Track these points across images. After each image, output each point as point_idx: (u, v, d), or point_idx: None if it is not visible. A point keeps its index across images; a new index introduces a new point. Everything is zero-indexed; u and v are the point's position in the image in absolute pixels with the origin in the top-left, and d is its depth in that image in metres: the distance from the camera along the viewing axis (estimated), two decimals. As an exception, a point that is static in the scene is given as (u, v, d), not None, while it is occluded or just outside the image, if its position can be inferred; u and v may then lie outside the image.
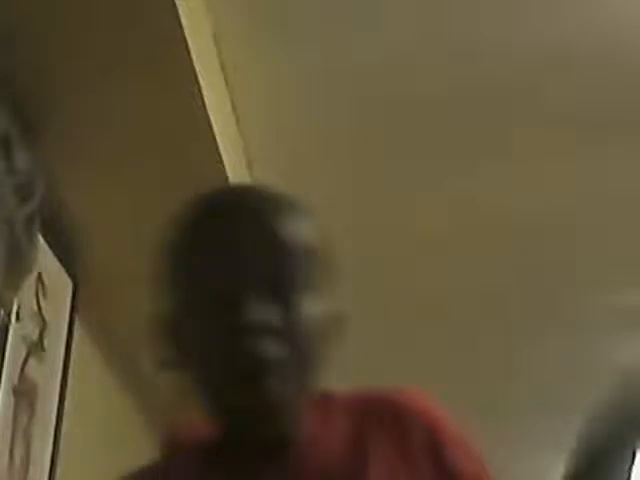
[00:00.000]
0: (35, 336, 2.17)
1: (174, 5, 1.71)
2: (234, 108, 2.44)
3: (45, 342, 2.23)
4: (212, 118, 2.02)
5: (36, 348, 2.17)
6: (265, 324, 0.97)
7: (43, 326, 2.21)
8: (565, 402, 4.45)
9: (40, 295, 2.18)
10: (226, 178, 2.21)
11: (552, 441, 4.86)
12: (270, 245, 1.00)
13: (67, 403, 2.37)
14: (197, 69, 1.87)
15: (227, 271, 0.99)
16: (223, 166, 2.17)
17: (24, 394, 2.12)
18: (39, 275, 2.16)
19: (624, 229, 3.08)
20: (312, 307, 1.01)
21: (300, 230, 1.04)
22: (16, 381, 2.06)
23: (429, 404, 1.08)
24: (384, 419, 1.05)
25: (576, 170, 2.81)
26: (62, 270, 2.34)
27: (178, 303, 1.03)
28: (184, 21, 1.76)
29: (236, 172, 2.36)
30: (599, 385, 4.51)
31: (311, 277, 1.02)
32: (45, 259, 2.17)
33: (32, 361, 2.14)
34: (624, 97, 2.50)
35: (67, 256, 2.35)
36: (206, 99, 1.95)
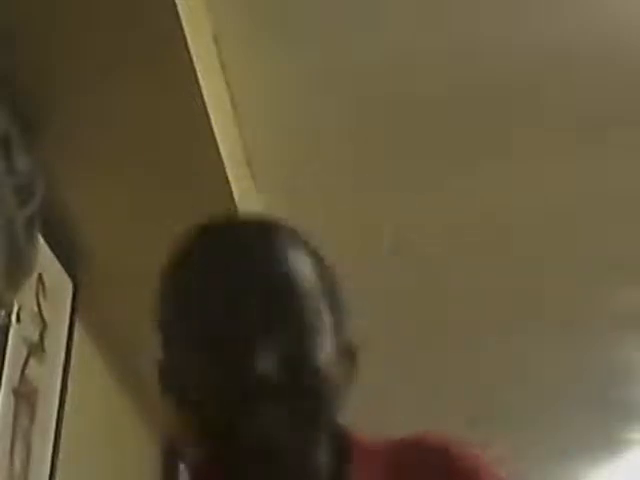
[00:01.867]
0: (35, 337, 2.17)
1: (174, 5, 1.71)
2: (234, 108, 2.44)
3: (45, 343, 2.22)
4: (212, 118, 2.02)
5: (36, 349, 2.17)
6: (272, 382, 0.89)
7: (43, 327, 2.21)
8: (564, 401, 4.46)
9: (40, 296, 2.18)
10: (226, 178, 2.21)
11: (551, 440, 4.86)
12: (272, 288, 0.93)
13: (67, 404, 2.37)
14: (197, 69, 1.86)
15: (228, 317, 0.92)
16: (223, 166, 2.17)
17: (24, 395, 2.12)
18: (39, 276, 2.15)
19: (624, 229, 3.08)
20: (323, 348, 0.94)
21: (302, 266, 0.96)
22: (16, 382, 2.06)
23: (467, 450, 1.05)
24: (426, 469, 1.02)
25: (576, 170, 2.82)
26: (62, 271, 2.33)
27: (175, 349, 0.96)
28: (184, 21, 1.76)
29: (236, 172, 2.36)
30: (598, 385, 4.53)
31: (318, 315, 0.95)
32: (45, 260, 2.16)
33: (32, 362, 2.14)
34: (624, 97, 2.50)
35: (67, 257, 2.35)
36: (206, 99, 1.95)
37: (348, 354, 1.00)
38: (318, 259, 1.00)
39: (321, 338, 0.94)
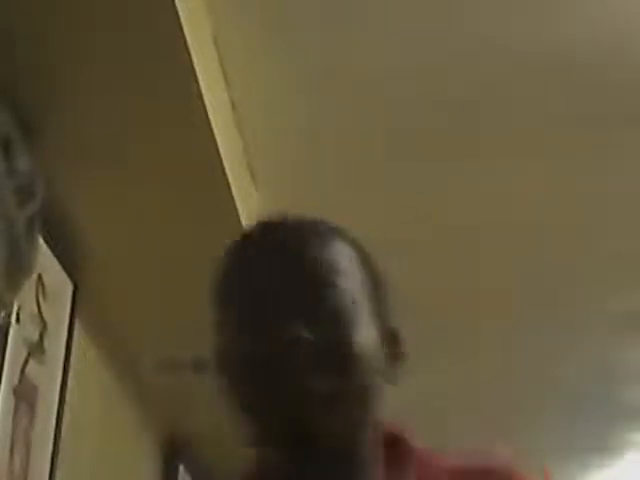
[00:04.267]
0: (35, 338, 2.17)
1: (174, 5, 1.71)
2: (234, 108, 2.44)
3: (45, 343, 2.22)
4: (212, 119, 2.02)
5: (36, 350, 2.17)
6: (311, 349, 0.94)
7: (43, 327, 2.21)
8: (564, 401, 4.46)
9: (40, 296, 2.18)
10: (225, 178, 2.21)
11: (552, 440, 4.86)
12: (306, 276, 0.98)
13: (67, 404, 2.37)
14: (197, 69, 1.86)
15: (268, 305, 0.97)
16: (223, 166, 2.17)
17: (24, 395, 2.12)
18: (39, 276, 2.15)
19: (624, 229, 3.08)
20: (363, 334, 0.98)
21: (340, 257, 1.02)
22: (16, 382, 2.06)
23: None
24: None
25: (576, 170, 2.82)
26: (62, 271, 2.33)
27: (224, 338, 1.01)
28: (184, 21, 1.76)
29: (236, 172, 2.36)
30: (599, 385, 4.52)
31: (358, 302, 0.99)
32: (45, 260, 2.16)
33: (32, 363, 2.14)
34: (624, 97, 2.50)
35: (67, 257, 2.35)
36: (206, 99, 1.95)
37: (390, 342, 1.03)
38: (360, 251, 1.06)
39: (358, 324, 0.97)
